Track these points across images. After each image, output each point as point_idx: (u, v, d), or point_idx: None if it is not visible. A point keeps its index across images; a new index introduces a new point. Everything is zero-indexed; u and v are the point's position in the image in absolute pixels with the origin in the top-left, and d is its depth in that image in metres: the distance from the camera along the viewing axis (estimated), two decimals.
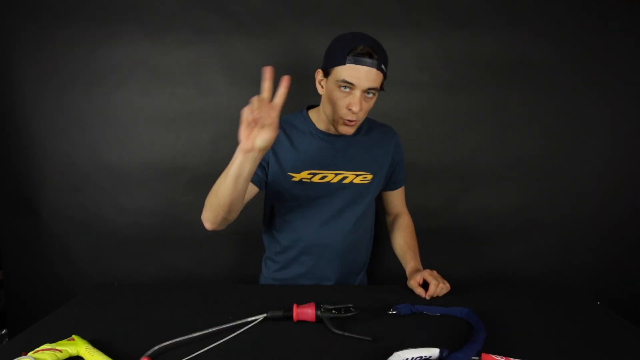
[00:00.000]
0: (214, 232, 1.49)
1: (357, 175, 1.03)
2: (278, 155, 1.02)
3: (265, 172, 1.04)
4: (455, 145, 1.47)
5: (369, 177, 1.05)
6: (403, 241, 1.11)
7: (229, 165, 0.83)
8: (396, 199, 1.18)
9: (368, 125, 1.08)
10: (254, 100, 0.72)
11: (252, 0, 1.40)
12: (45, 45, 1.42)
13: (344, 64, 0.87)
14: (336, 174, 1.02)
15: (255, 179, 1.02)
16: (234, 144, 1.48)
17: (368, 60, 0.86)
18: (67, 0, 1.40)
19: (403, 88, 1.44)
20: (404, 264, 1.06)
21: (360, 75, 0.87)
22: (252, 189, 1.03)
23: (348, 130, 0.95)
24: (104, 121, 1.46)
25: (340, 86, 0.89)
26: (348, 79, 0.87)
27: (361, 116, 0.93)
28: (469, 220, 1.51)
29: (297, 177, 1.02)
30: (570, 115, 1.45)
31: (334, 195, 1.04)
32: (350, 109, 0.90)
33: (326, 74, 0.93)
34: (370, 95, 0.91)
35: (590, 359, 0.66)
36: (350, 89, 0.89)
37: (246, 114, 0.72)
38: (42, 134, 1.47)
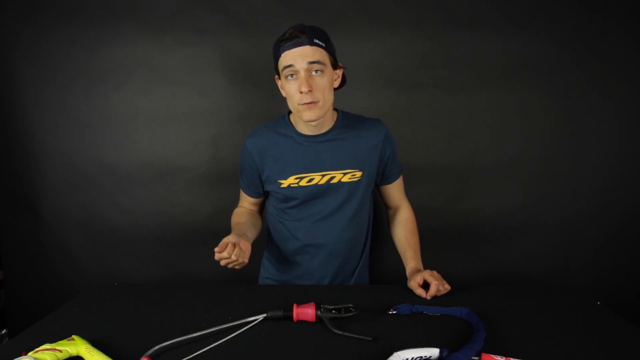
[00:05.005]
0: (213, 232, 1.50)
1: (344, 174, 1.03)
2: (265, 166, 1.04)
3: (260, 184, 1.09)
4: (455, 145, 1.47)
5: (358, 174, 1.04)
6: (404, 237, 1.11)
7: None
8: (394, 191, 1.16)
9: (352, 122, 1.06)
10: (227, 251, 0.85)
11: (252, 0, 1.40)
12: (45, 45, 1.42)
13: (280, 54, 0.92)
14: (323, 175, 1.02)
15: (255, 195, 1.12)
16: (234, 144, 1.49)
17: (298, 40, 0.90)
18: (67, 0, 1.40)
19: (403, 88, 1.44)
20: (404, 263, 1.06)
21: (295, 55, 0.90)
22: (258, 200, 1.15)
23: (311, 115, 0.93)
24: (104, 121, 1.46)
25: (287, 76, 0.93)
26: (287, 63, 0.91)
27: (319, 96, 0.92)
28: (469, 220, 1.51)
29: (285, 183, 1.03)
30: (571, 115, 1.45)
31: (324, 196, 1.04)
32: (301, 92, 0.91)
33: (279, 76, 0.97)
34: (318, 72, 0.91)
35: (590, 359, 0.66)
36: (295, 74, 0.91)
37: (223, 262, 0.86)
38: (42, 134, 1.47)
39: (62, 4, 1.41)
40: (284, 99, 0.98)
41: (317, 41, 0.90)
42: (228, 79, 1.44)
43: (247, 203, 1.16)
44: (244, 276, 1.53)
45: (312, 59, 0.89)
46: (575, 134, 1.46)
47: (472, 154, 1.47)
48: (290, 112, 1.07)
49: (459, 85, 1.44)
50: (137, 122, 1.46)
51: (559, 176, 1.48)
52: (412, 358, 0.61)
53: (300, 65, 0.89)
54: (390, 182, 1.13)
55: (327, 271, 1.10)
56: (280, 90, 1.01)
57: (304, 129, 1.02)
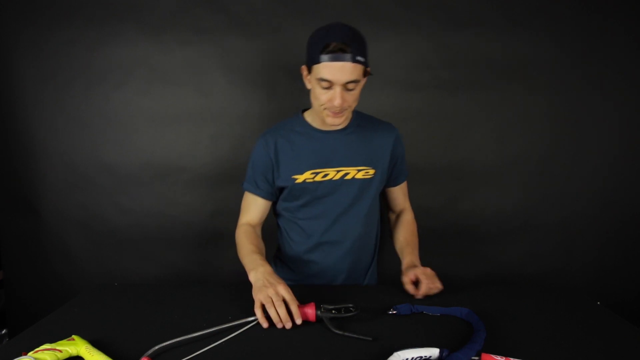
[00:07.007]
0: (213, 232, 1.50)
1: (358, 171, 1.04)
2: (280, 162, 1.04)
3: (273, 183, 1.07)
4: (455, 145, 1.47)
5: (371, 171, 1.06)
6: (403, 237, 1.12)
7: (246, 267, 0.97)
8: (398, 195, 1.18)
9: (366, 122, 1.09)
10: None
11: (252, 0, 1.40)
12: (45, 45, 1.42)
13: (319, 62, 0.88)
14: (338, 171, 1.03)
15: (266, 195, 1.08)
16: (234, 144, 1.49)
17: (341, 55, 0.86)
18: (67, 0, 1.40)
19: (403, 88, 1.44)
20: (401, 259, 1.07)
21: (336, 71, 0.87)
22: (267, 204, 1.10)
23: (336, 121, 0.96)
24: (104, 121, 1.46)
25: (320, 83, 0.91)
26: (325, 77, 0.88)
27: (347, 106, 0.93)
28: (469, 220, 1.51)
29: (300, 178, 1.03)
30: (571, 115, 1.45)
31: (338, 192, 1.05)
32: (332, 104, 0.91)
33: (309, 71, 0.94)
34: (352, 87, 0.91)
35: (590, 359, 0.66)
36: (330, 85, 0.90)
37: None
38: (42, 134, 1.47)
39: (62, 4, 1.40)
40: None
41: (358, 58, 0.87)
42: (228, 79, 1.44)
43: (253, 215, 1.10)
44: (244, 276, 1.53)
45: (350, 79, 0.88)
46: (575, 134, 1.46)
47: (472, 154, 1.47)
48: (303, 110, 1.09)
49: (459, 85, 1.44)
50: (137, 122, 1.46)
51: (559, 176, 1.48)
52: (412, 358, 0.61)
53: (339, 82, 0.88)
54: (396, 185, 1.16)
55: (342, 269, 1.10)
56: (305, 80, 0.98)
57: (320, 124, 1.04)
